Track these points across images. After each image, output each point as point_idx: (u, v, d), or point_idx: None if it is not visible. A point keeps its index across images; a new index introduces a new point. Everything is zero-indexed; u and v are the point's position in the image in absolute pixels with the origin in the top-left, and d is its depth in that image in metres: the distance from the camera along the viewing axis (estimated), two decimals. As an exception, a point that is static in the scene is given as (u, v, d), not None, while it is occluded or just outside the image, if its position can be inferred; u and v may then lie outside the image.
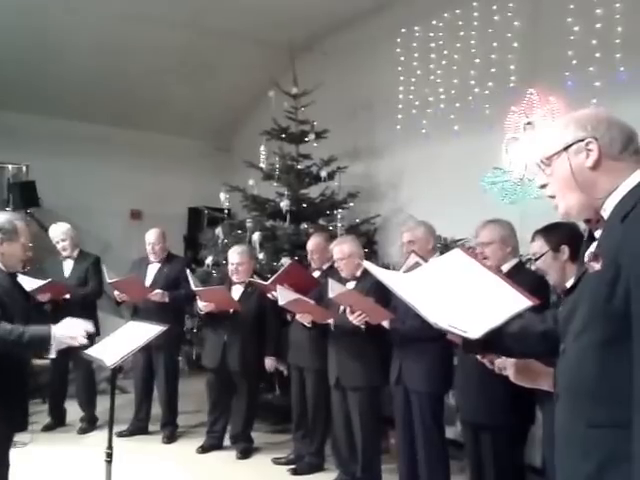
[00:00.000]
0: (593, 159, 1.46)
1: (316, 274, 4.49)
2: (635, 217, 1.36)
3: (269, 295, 4.40)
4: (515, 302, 1.70)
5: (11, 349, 2.57)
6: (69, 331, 2.60)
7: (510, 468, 3.03)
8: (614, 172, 1.46)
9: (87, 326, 2.66)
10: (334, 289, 3.58)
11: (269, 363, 4.62)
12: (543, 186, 1.58)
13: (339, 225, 5.39)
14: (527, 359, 1.87)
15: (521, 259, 3.27)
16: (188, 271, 4.73)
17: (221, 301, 4.55)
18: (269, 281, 4.32)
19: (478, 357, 1.99)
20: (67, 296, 4.91)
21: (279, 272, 4.33)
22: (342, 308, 3.79)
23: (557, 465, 1.53)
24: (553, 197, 1.55)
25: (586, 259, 1.46)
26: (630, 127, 1.51)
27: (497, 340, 1.67)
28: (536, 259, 2.73)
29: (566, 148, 1.49)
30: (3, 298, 2.66)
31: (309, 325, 4.10)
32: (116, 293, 4.96)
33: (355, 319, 3.58)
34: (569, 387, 1.46)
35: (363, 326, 3.62)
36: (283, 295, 3.99)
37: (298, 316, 4.13)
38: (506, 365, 1.91)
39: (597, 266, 1.39)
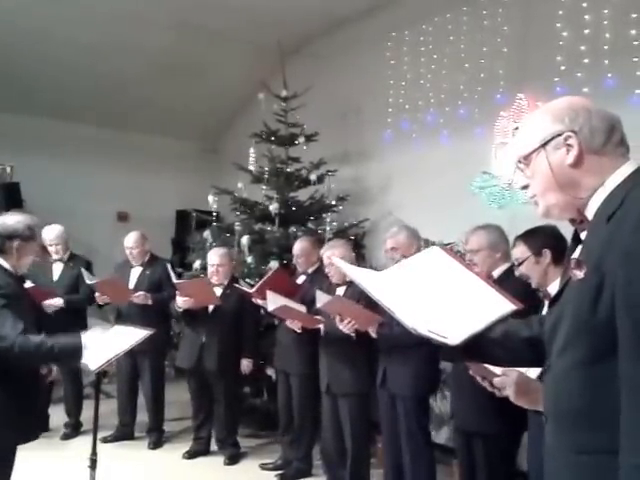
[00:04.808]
0: (574, 155, 1.33)
1: (302, 278, 4.46)
2: (621, 216, 1.23)
3: (255, 301, 4.35)
4: (498, 306, 1.57)
5: (41, 362, 2.50)
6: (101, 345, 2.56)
7: (503, 475, 3.01)
8: (598, 168, 1.32)
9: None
10: (321, 299, 3.56)
11: (245, 365, 4.57)
12: (524, 187, 1.44)
13: (328, 228, 5.37)
14: (526, 379, 1.73)
15: (513, 264, 3.26)
16: (169, 266, 4.66)
17: (202, 295, 4.47)
18: (254, 289, 4.26)
19: (470, 372, 1.91)
20: (59, 301, 4.80)
21: (263, 279, 4.28)
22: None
23: None
24: (534, 196, 1.43)
25: (569, 265, 1.34)
26: (612, 114, 1.37)
27: (479, 347, 1.54)
28: (519, 264, 2.71)
29: (544, 145, 1.36)
30: (14, 304, 2.53)
31: (299, 331, 4.04)
32: (97, 295, 4.89)
33: (345, 327, 3.55)
34: (555, 409, 1.34)
35: (353, 334, 3.59)
36: (273, 301, 3.95)
37: (288, 322, 4.09)
38: (506, 384, 1.74)
39: (580, 274, 1.27)
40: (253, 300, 4.30)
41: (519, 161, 1.43)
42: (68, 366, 2.82)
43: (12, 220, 2.69)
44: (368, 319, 3.48)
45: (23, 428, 2.61)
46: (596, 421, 1.24)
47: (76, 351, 2.48)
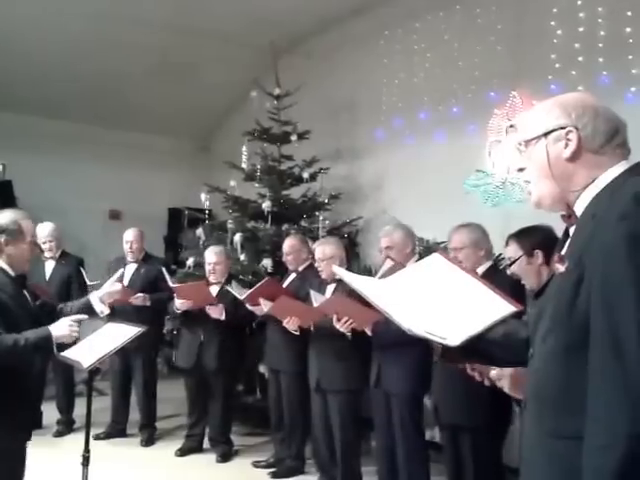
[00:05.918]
0: (571, 150, 1.37)
1: (292, 276, 4.44)
2: (605, 212, 1.25)
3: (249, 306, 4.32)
4: (498, 308, 1.61)
5: (19, 360, 2.53)
6: (66, 330, 2.59)
7: (490, 468, 3.02)
8: (593, 165, 1.37)
9: (77, 317, 2.69)
10: (318, 299, 3.54)
11: (218, 308, 4.41)
12: (521, 169, 1.50)
13: (321, 227, 5.37)
14: (521, 371, 1.72)
15: (496, 262, 3.27)
16: (164, 269, 4.67)
17: (199, 297, 4.48)
18: (244, 296, 4.21)
19: (467, 368, 1.91)
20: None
21: (255, 287, 4.22)
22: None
23: (522, 476, 1.44)
24: (528, 182, 1.48)
25: (553, 259, 1.38)
26: (618, 118, 1.42)
27: (479, 347, 1.56)
28: (510, 264, 2.69)
29: (546, 134, 1.41)
30: (8, 304, 2.54)
31: (297, 333, 3.93)
32: None
33: (342, 326, 3.51)
34: (535, 394, 1.38)
35: (349, 333, 3.56)
36: (268, 302, 3.95)
37: (284, 323, 3.98)
38: (501, 376, 1.78)
39: (561, 268, 1.32)
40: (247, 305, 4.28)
41: (520, 143, 1.48)
42: (45, 357, 2.89)
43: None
44: (366, 317, 3.41)
45: (18, 428, 2.61)
46: (577, 405, 1.25)
47: (47, 343, 2.53)
